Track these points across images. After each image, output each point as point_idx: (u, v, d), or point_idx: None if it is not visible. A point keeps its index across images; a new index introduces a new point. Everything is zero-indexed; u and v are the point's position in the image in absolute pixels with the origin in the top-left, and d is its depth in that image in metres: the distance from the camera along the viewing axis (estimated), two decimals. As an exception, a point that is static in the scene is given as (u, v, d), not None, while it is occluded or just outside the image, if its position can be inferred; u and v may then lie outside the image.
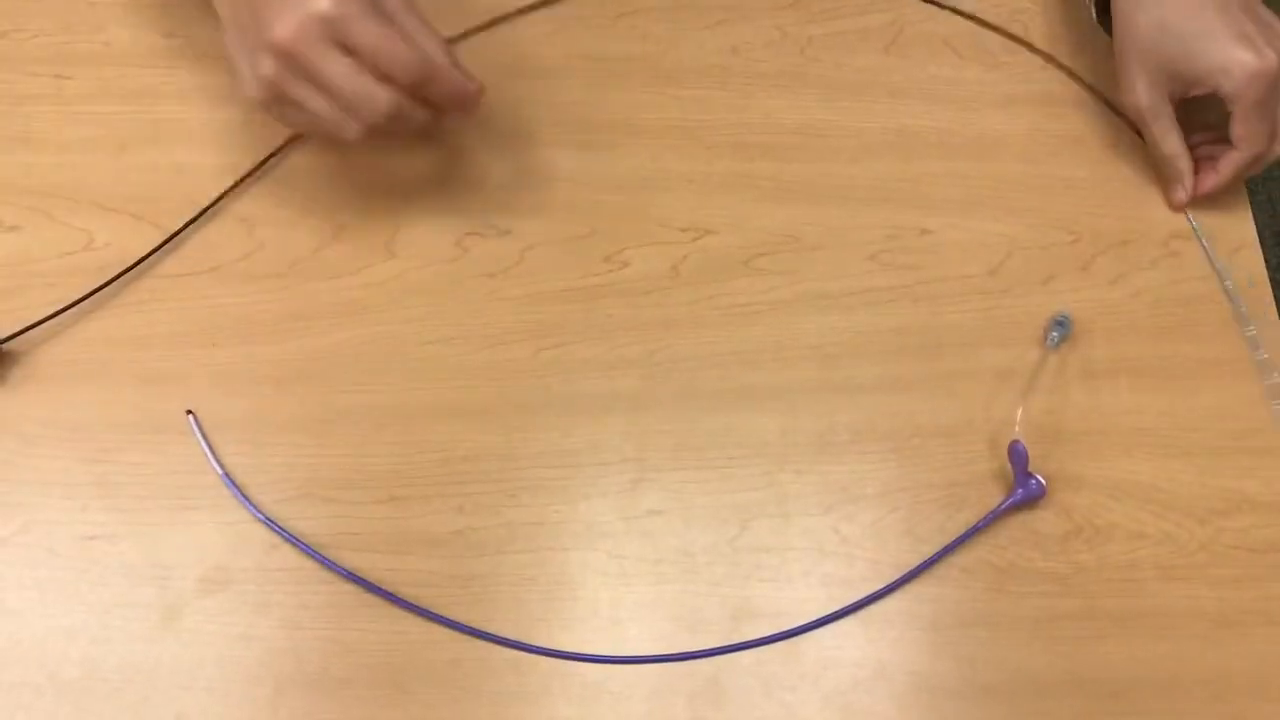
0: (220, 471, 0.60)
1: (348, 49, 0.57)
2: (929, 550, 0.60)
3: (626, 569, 0.60)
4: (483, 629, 0.58)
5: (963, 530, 0.61)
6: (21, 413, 0.61)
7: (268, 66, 0.58)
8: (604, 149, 0.65)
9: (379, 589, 0.58)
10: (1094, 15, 0.69)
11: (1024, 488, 0.61)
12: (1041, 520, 0.62)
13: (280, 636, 0.57)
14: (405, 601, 0.58)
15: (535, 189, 0.68)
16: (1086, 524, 0.61)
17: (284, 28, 0.57)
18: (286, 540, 0.59)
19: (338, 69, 0.58)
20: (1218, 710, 0.58)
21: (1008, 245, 0.68)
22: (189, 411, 0.62)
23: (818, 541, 0.61)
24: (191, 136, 0.69)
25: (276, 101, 0.60)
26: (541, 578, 0.59)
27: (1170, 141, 0.64)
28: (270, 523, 0.59)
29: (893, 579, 0.60)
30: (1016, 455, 0.61)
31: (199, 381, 0.63)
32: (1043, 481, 0.61)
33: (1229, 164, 0.64)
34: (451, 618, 0.58)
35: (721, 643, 0.58)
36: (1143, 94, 0.63)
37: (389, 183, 0.68)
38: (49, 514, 0.59)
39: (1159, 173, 0.67)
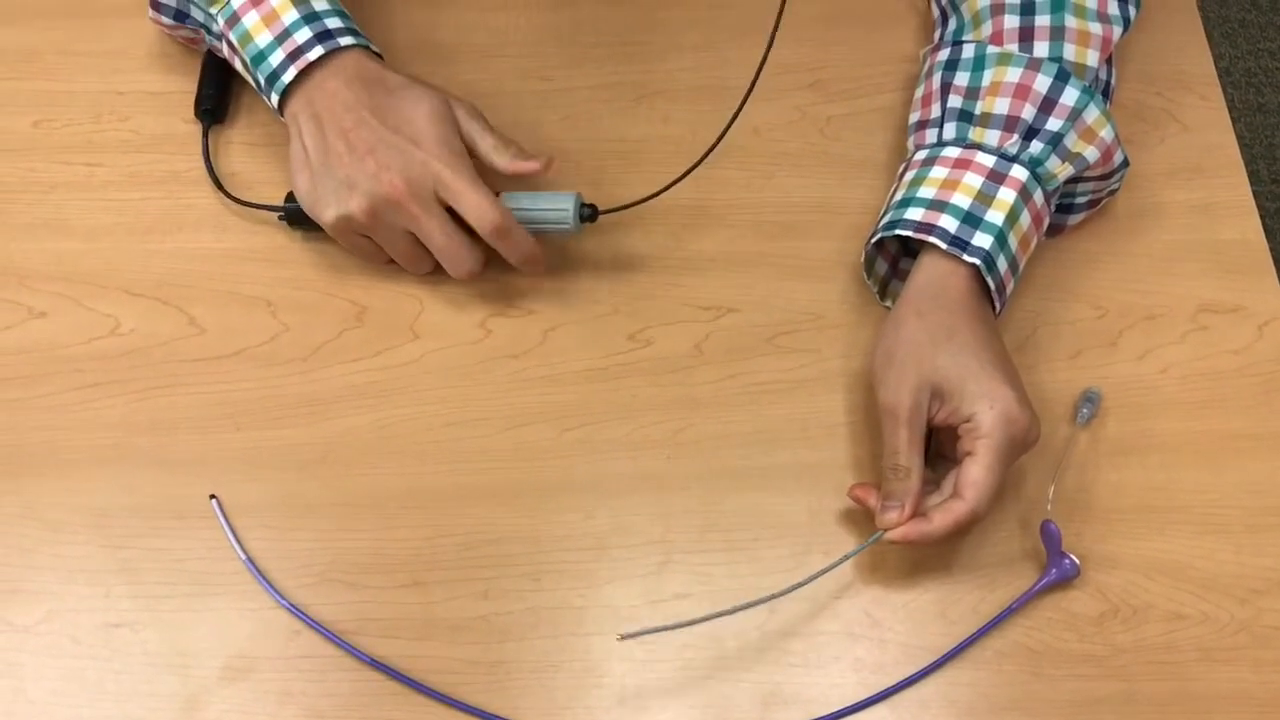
0: (243, 556, 0.60)
1: (445, 202, 0.62)
2: (962, 633, 0.59)
3: (653, 655, 0.59)
4: (508, 717, 0.57)
5: (997, 612, 0.60)
6: (45, 499, 0.61)
7: (361, 204, 0.61)
8: (625, 229, 0.66)
9: (403, 676, 0.57)
10: (878, 297, 0.68)
11: (1058, 567, 0.60)
12: (1076, 601, 0.60)
13: (302, 726, 0.57)
14: (429, 689, 0.57)
15: (557, 269, 0.68)
16: (1123, 604, 0.60)
17: (395, 180, 0.61)
18: (309, 626, 0.58)
19: (437, 224, 0.62)
20: (1265, 799, 0.56)
21: (1033, 320, 0.68)
22: (212, 496, 0.61)
23: (848, 625, 0.60)
24: (216, 222, 0.69)
25: (354, 233, 0.64)
26: (566, 664, 0.58)
27: (914, 457, 0.58)
28: (293, 609, 0.59)
29: (926, 663, 0.58)
30: (1049, 535, 0.60)
31: (222, 465, 0.62)
32: (1076, 561, 0.60)
33: (948, 514, 0.57)
34: (476, 705, 0.57)
35: (751, 730, 0.57)
36: (906, 396, 0.59)
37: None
38: (72, 602, 0.59)
39: (882, 484, 0.59)
